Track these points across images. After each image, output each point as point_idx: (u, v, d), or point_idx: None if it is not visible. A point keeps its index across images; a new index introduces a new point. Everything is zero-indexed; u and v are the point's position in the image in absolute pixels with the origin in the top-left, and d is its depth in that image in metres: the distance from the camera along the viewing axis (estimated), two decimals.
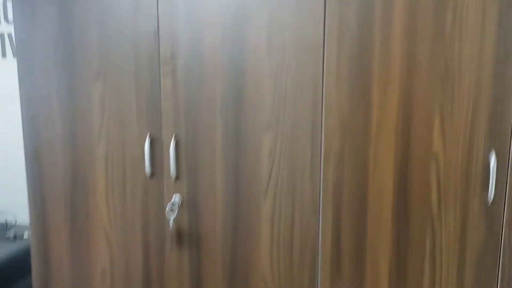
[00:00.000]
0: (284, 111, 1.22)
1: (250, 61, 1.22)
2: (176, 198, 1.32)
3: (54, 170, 1.41)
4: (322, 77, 1.18)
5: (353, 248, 1.25)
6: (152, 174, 1.33)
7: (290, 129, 1.22)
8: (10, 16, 2.09)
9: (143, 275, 1.40)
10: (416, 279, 1.23)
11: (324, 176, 1.23)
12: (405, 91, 1.14)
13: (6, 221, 2.11)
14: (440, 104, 1.13)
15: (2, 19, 2.10)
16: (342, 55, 1.16)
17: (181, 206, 1.33)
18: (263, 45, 1.21)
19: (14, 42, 1.73)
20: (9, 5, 2.08)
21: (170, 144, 1.30)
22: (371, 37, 1.14)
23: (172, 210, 1.32)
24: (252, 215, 1.30)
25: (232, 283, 1.34)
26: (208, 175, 1.30)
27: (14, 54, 2.10)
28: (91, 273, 1.43)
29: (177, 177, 1.32)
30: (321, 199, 1.24)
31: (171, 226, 1.33)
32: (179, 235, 1.35)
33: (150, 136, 1.31)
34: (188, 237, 1.34)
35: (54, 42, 1.36)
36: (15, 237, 1.94)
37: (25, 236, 1.96)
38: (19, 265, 1.81)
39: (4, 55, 2.11)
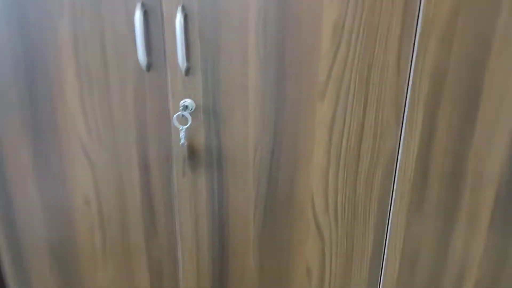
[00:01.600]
0: None
1: None
2: (188, 100, 0.89)
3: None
4: None
5: (447, 171, 0.87)
6: (149, 65, 0.88)
7: None
8: None
9: (143, 205, 1.01)
10: None
11: (417, 62, 0.80)
12: None
13: None
14: None
15: None
16: None
17: (195, 113, 0.90)
18: None
19: None
20: None
21: (175, 19, 0.83)
22: None
23: (183, 117, 0.90)
24: (301, 125, 0.88)
25: (269, 217, 0.97)
26: (235, 66, 0.85)
27: None
28: (70, 201, 1.03)
29: (188, 70, 0.87)
30: (408, 97, 0.82)
31: (182, 139, 0.91)
32: (192, 152, 0.94)
33: (142, 6, 0.83)
34: (206, 155, 0.93)
35: None
36: None
37: None
38: None
39: None
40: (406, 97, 0.83)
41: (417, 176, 0.88)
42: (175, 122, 0.89)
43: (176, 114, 0.89)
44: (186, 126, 0.90)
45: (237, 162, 0.93)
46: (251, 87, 0.86)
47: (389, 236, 0.94)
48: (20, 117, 0.96)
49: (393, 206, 0.92)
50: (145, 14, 0.84)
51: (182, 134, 0.90)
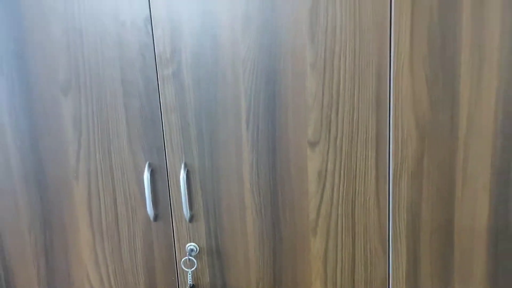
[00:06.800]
0: (337, 116, 0.88)
1: (287, 45, 0.87)
2: (192, 244, 0.97)
3: (16, 225, 1.03)
4: (390, 64, 0.85)
5: None
6: (156, 215, 0.98)
7: (346, 140, 0.89)
8: None
9: None
10: None
11: (394, 200, 0.91)
12: (508, 78, 0.82)
13: None
14: None
15: None
16: (416, 32, 0.83)
17: (199, 255, 0.98)
18: (306, 22, 0.86)
19: None
20: None
21: (179, 175, 0.94)
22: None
23: (189, 261, 0.97)
24: (299, 260, 0.96)
25: None
26: (235, 213, 0.95)
27: None
28: None
29: (191, 218, 0.96)
30: (391, 231, 0.92)
31: (190, 281, 0.98)
32: None
33: (149, 166, 0.95)
34: None
35: None
36: None
37: None
38: None
39: None
40: (389, 228, 0.92)
41: None
42: (183, 266, 0.97)
43: (184, 259, 0.97)
44: (192, 269, 0.97)
45: None
46: (249, 230, 0.96)
47: None
48: (35, 269, 1.03)
49: None
50: (152, 172, 0.95)
51: (189, 277, 0.98)
